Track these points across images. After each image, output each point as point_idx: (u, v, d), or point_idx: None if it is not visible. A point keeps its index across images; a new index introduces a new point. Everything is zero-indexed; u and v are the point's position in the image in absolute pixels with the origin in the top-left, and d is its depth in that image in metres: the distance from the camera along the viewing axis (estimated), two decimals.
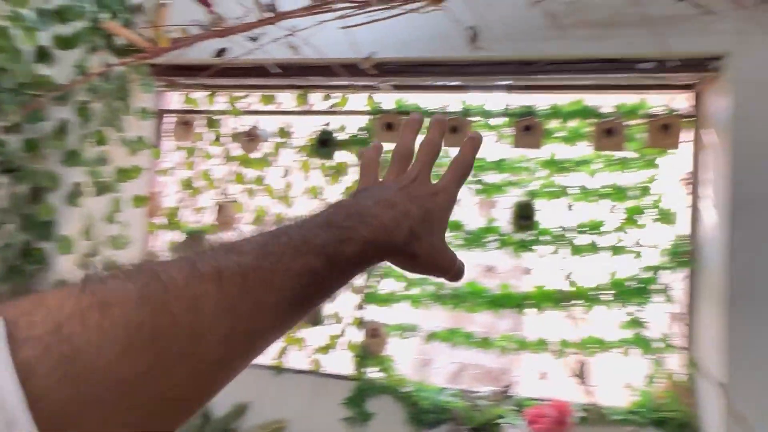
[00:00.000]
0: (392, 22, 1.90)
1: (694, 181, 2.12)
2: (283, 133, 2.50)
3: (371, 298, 2.38)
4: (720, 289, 1.87)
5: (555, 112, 2.23)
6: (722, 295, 1.86)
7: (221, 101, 2.57)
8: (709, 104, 2.07)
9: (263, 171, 2.53)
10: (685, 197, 2.15)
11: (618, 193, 2.20)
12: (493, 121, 2.29)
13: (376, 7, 1.67)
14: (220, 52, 2.13)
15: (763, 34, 1.72)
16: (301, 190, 2.49)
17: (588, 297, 2.19)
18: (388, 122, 2.31)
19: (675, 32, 1.93)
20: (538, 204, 2.23)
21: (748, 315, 1.83)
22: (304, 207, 2.49)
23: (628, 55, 1.99)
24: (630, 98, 2.21)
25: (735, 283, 1.83)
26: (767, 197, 1.82)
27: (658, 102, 2.20)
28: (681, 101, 2.20)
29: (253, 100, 2.55)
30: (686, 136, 2.14)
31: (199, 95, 2.59)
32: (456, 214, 2.33)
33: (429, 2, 1.23)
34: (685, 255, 2.10)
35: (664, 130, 2.11)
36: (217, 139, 2.59)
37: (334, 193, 2.44)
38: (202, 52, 2.16)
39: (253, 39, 1.86)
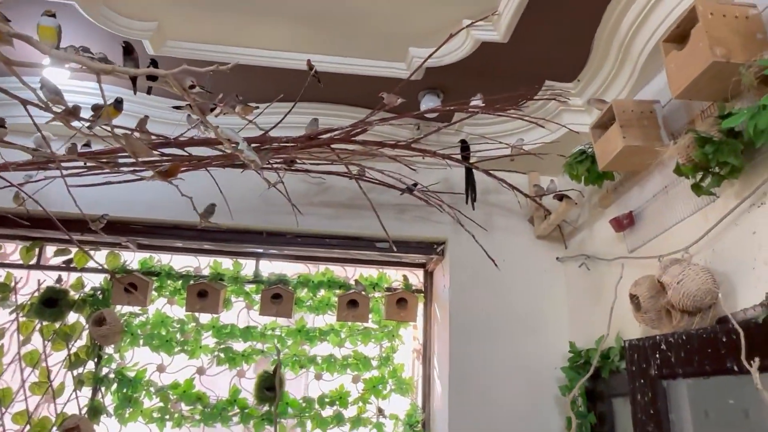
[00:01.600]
0: (138, 183, 1.85)
1: (425, 352, 2.29)
2: (2, 287, 2.17)
3: None
4: None
5: (304, 282, 2.30)
6: None
7: None
8: (436, 281, 2.32)
9: None
10: (419, 368, 2.29)
11: (361, 363, 2.27)
12: (243, 287, 2.27)
13: (105, 171, 1.61)
14: None
15: (467, 228, 2.04)
16: (14, 357, 2.11)
17: None
18: (130, 282, 2.14)
19: (406, 219, 2.18)
20: (285, 374, 2.18)
21: None
22: (15, 378, 2.11)
23: (367, 234, 2.18)
24: (373, 272, 2.38)
25: None
26: (476, 363, 2.02)
27: (397, 277, 2.40)
28: (417, 277, 2.43)
29: None
30: (422, 310, 2.34)
31: None
32: (197, 385, 2.17)
33: (157, 176, 1.22)
34: (419, 425, 2.18)
35: (400, 304, 2.28)
36: None
37: (57, 361, 2.12)
38: None
39: None
